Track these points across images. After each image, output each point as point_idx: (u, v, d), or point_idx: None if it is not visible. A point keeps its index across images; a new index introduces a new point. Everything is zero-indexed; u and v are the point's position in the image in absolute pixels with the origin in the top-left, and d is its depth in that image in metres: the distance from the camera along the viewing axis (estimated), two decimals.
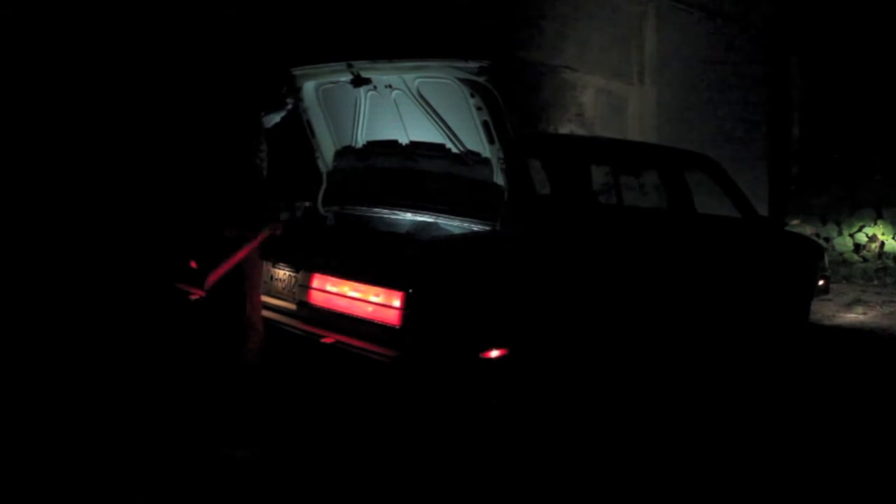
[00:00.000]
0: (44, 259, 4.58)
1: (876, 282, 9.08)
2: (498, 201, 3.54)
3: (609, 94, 8.32)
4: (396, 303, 3.14)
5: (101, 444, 3.18)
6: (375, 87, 3.86)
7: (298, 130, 4.34)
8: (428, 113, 3.73)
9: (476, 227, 3.66)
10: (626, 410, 3.89)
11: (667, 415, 3.92)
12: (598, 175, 5.21)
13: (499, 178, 3.56)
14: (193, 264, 3.78)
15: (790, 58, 11.36)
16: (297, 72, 4.07)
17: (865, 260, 9.57)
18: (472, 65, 3.31)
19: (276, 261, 3.83)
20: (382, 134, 4.12)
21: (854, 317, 6.94)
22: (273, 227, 3.40)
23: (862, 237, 9.67)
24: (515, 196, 3.51)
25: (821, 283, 5.63)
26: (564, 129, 7.72)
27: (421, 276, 3.22)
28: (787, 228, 5.76)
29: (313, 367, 3.52)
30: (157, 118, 4.93)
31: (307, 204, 4.45)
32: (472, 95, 3.40)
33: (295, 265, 3.70)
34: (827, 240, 9.82)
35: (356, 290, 3.33)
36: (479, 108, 3.43)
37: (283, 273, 3.78)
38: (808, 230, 9.74)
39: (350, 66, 3.76)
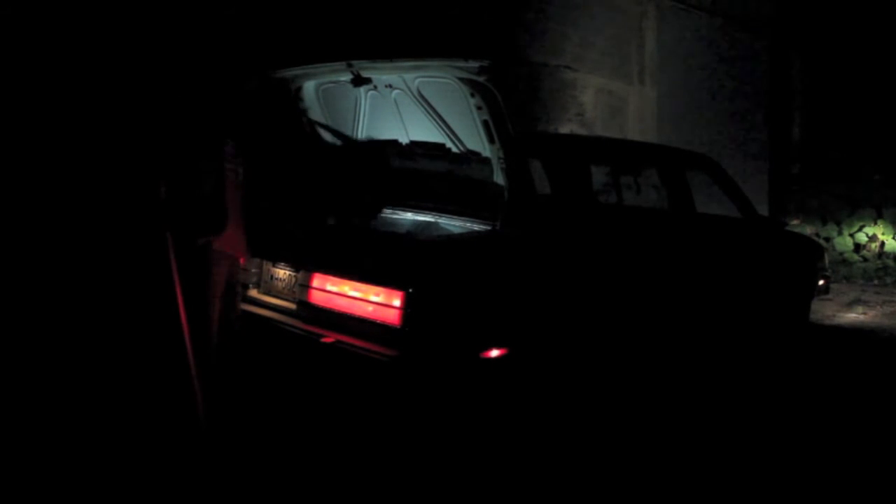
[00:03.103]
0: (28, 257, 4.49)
1: (876, 281, 9.08)
2: (498, 201, 3.54)
3: (609, 94, 8.31)
4: (396, 302, 3.14)
5: (99, 445, 3.18)
6: (375, 87, 3.86)
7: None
8: (428, 112, 3.73)
9: (476, 227, 3.66)
10: (627, 410, 3.89)
11: (667, 414, 3.92)
12: (599, 175, 5.21)
13: (499, 178, 3.56)
14: None
15: (791, 58, 11.36)
16: (296, 71, 4.07)
17: (865, 260, 9.57)
18: (473, 64, 3.31)
19: (276, 260, 3.83)
20: (383, 133, 4.12)
21: (854, 317, 6.94)
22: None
23: (862, 237, 9.67)
24: (515, 196, 3.51)
25: (821, 282, 5.63)
26: (564, 129, 7.71)
27: (421, 275, 3.22)
28: (788, 228, 5.76)
29: (313, 366, 3.51)
30: (156, 118, 4.91)
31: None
32: (473, 95, 3.40)
33: (295, 265, 3.70)
34: (827, 240, 9.82)
35: (356, 290, 3.33)
36: (479, 108, 3.43)
37: (283, 273, 3.78)
38: (808, 230, 9.75)
39: (350, 65, 3.76)
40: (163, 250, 3.16)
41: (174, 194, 3.20)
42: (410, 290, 3.13)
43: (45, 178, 4.46)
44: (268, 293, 3.85)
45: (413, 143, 4.01)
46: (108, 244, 4.33)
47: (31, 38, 4.53)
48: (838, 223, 9.88)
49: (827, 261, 5.91)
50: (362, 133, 4.22)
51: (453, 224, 3.83)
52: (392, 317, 3.16)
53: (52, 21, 4.61)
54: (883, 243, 9.52)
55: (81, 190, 4.47)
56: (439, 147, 3.86)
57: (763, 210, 9.50)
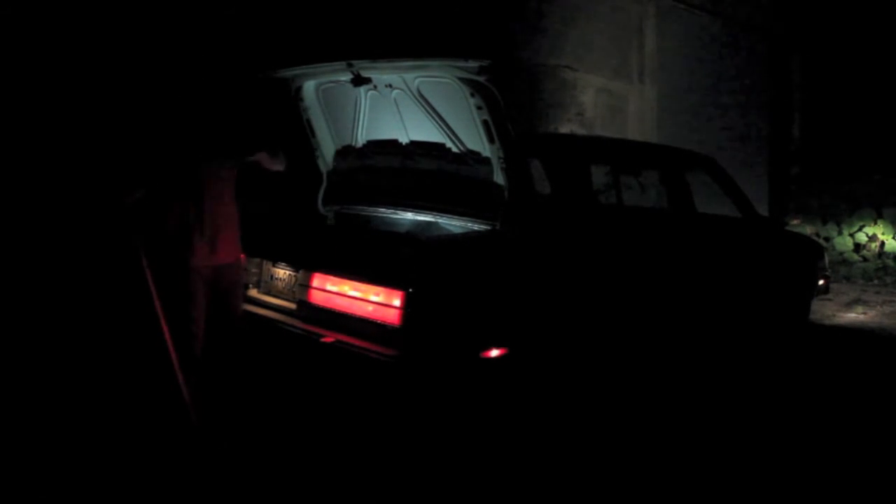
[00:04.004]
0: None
1: (876, 281, 9.08)
2: (498, 201, 3.54)
3: (609, 94, 8.31)
4: (396, 302, 3.14)
5: (95, 447, 3.17)
6: (375, 87, 3.86)
7: (299, 130, 4.35)
8: (428, 112, 3.73)
9: (476, 227, 3.66)
10: (627, 409, 3.89)
11: (667, 414, 3.92)
12: (599, 175, 5.21)
13: (499, 178, 3.56)
14: None
15: (791, 58, 11.36)
16: (296, 71, 4.07)
17: (865, 259, 9.57)
18: (473, 64, 3.31)
19: (276, 260, 3.83)
20: (383, 133, 4.12)
21: (854, 316, 6.94)
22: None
23: (862, 237, 9.67)
24: (515, 196, 3.51)
25: (821, 282, 5.63)
26: (564, 129, 7.71)
27: (421, 275, 3.22)
28: (787, 228, 5.76)
29: (313, 366, 3.52)
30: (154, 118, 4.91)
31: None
32: (473, 95, 3.40)
33: (295, 264, 3.70)
34: (827, 240, 9.82)
35: (356, 290, 3.33)
36: (479, 108, 3.43)
37: (283, 272, 3.78)
38: (808, 230, 9.74)
39: (350, 65, 3.76)
40: (136, 257, 3.17)
41: (145, 202, 3.22)
42: (410, 290, 3.13)
43: (27, 180, 4.46)
44: (268, 293, 3.85)
45: (413, 143, 4.01)
46: (87, 249, 4.33)
47: (25, 39, 4.54)
48: (838, 223, 9.88)
49: (827, 261, 5.91)
50: (362, 133, 4.22)
51: (453, 224, 3.83)
52: (392, 316, 3.16)
53: (48, 22, 4.61)
54: (883, 243, 9.52)
55: (62, 192, 4.48)
56: (439, 147, 3.86)
57: (763, 210, 9.51)
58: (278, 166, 3.55)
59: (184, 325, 3.27)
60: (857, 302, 7.67)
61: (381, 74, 3.76)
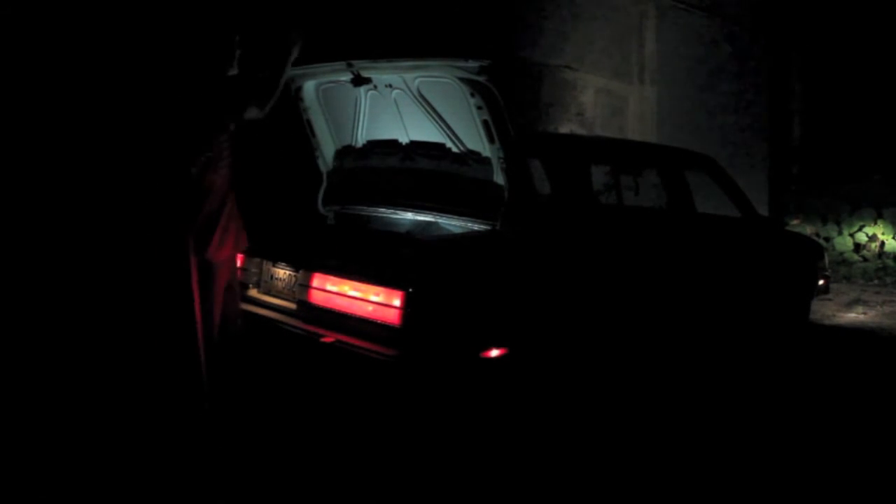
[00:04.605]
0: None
1: (876, 281, 9.08)
2: (498, 201, 3.54)
3: (609, 94, 8.32)
4: (396, 302, 3.15)
5: (108, 437, 3.18)
6: (375, 87, 3.86)
7: (299, 130, 4.35)
8: (428, 112, 3.73)
9: (476, 227, 3.66)
10: (627, 409, 3.89)
11: (667, 414, 3.92)
12: (599, 175, 5.21)
13: (499, 178, 3.57)
14: None
15: (791, 58, 11.37)
16: (296, 71, 4.07)
17: (865, 260, 9.57)
18: (473, 64, 3.32)
19: (276, 260, 3.84)
20: (383, 133, 4.12)
21: (854, 316, 6.94)
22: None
23: (862, 237, 9.67)
24: (515, 196, 3.51)
25: (821, 282, 5.63)
26: (564, 129, 7.72)
27: (421, 275, 3.22)
28: (787, 228, 5.77)
29: (313, 366, 3.52)
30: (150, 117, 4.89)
31: None
32: (473, 95, 3.40)
33: (295, 264, 3.70)
34: (827, 240, 9.82)
35: (356, 290, 3.34)
36: (479, 108, 3.43)
37: (283, 272, 3.78)
38: (808, 230, 9.75)
39: (350, 65, 3.77)
40: (180, 247, 3.16)
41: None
42: (410, 290, 3.13)
43: (57, 178, 4.47)
44: (268, 293, 3.85)
45: (413, 143, 4.01)
46: (123, 240, 4.35)
47: (32, 38, 4.53)
48: (838, 223, 9.88)
49: (827, 261, 5.91)
50: (362, 133, 4.22)
51: (453, 224, 3.83)
52: (392, 316, 3.16)
53: (53, 21, 4.60)
54: (883, 243, 9.53)
55: (94, 188, 4.49)
56: (439, 147, 3.86)
57: (763, 210, 9.51)
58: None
59: (206, 318, 3.26)
60: (857, 302, 7.67)
61: (381, 74, 3.76)
